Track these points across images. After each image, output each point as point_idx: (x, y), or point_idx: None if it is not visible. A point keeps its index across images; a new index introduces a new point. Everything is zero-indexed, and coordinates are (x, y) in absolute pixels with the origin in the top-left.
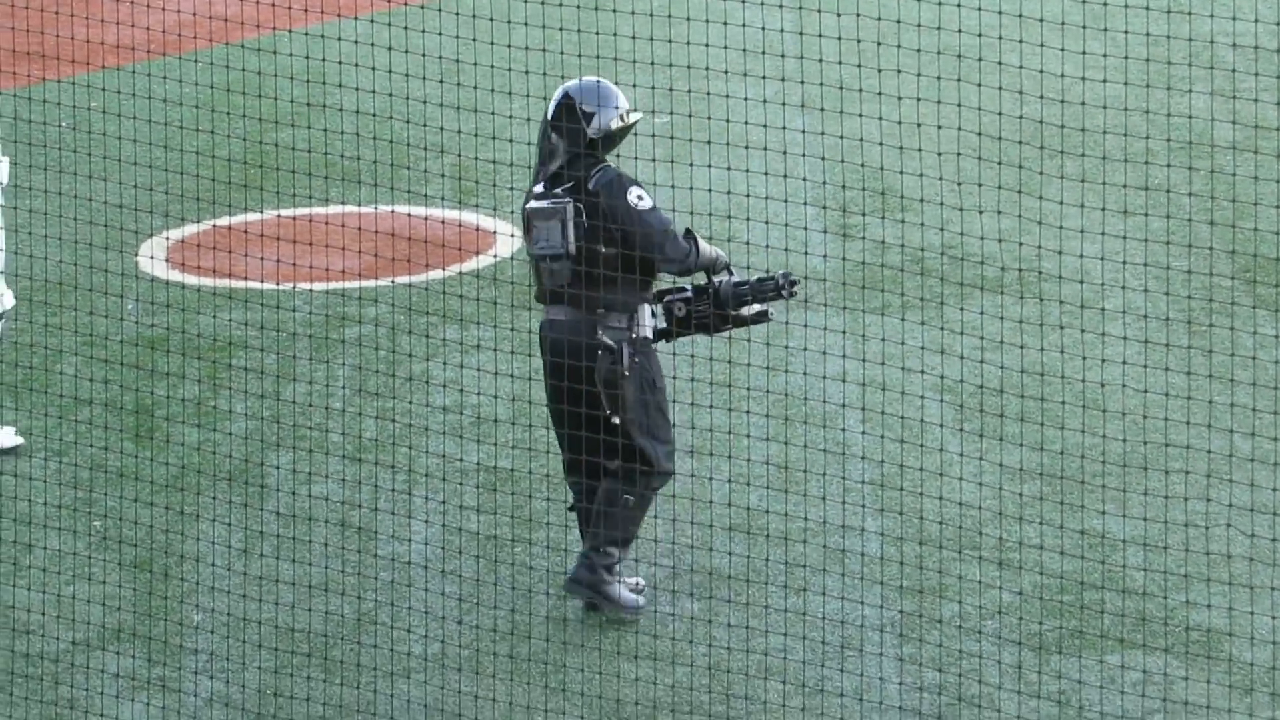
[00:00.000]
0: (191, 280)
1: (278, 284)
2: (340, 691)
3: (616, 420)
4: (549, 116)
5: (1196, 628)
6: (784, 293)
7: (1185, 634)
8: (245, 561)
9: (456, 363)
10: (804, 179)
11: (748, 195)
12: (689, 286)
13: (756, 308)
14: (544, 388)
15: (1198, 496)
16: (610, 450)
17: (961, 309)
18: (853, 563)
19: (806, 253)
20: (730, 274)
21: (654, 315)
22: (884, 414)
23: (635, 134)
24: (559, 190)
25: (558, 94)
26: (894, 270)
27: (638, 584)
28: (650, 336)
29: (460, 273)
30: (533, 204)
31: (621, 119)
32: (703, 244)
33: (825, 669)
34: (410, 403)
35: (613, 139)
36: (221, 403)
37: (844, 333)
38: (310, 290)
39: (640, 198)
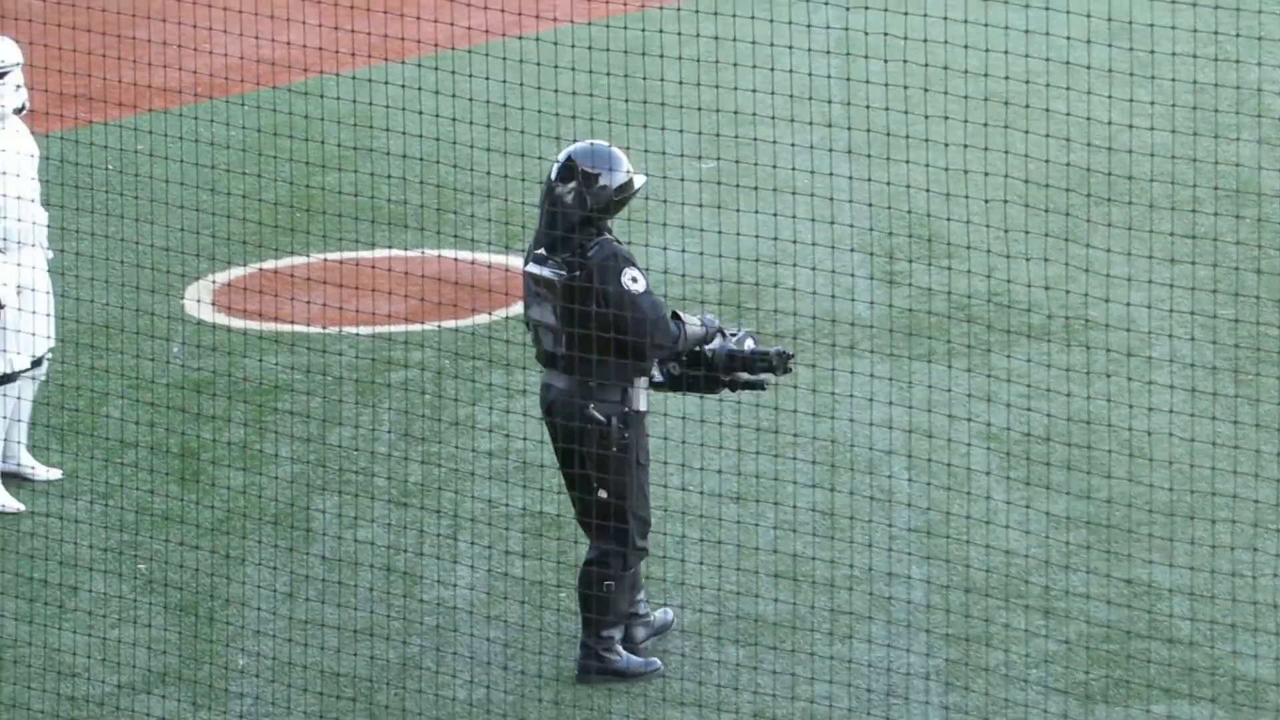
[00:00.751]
0: (237, 323)
1: (323, 327)
2: None
3: (603, 494)
4: (552, 178)
5: (1243, 678)
6: (777, 370)
7: (1231, 684)
8: (290, 605)
9: (502, 407)
10: (849, 225)
11: (793, 241)
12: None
13: (747, 377)
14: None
15: (1244, 546)
16: (599, 525)
17: (1007, 356)
18: (898, 610)
19: (852, 299)
20: (724, 337)
21: (650, 385)
22: (929, 461)
23: (681, 179)
24: (559, 258)
25: (562, 156)
26: (939, 317)
27: (665, 614)
28: (644, 410)
29: (506, 317)
30: (533, 268)
31: (627, 184)
32: (690, 322)
33: (870, 717)
34: (455, 447)
35: (616, 205)
36: (267, 446)
37: (889, 379)
38: (355, 334)
39: (634, 279)
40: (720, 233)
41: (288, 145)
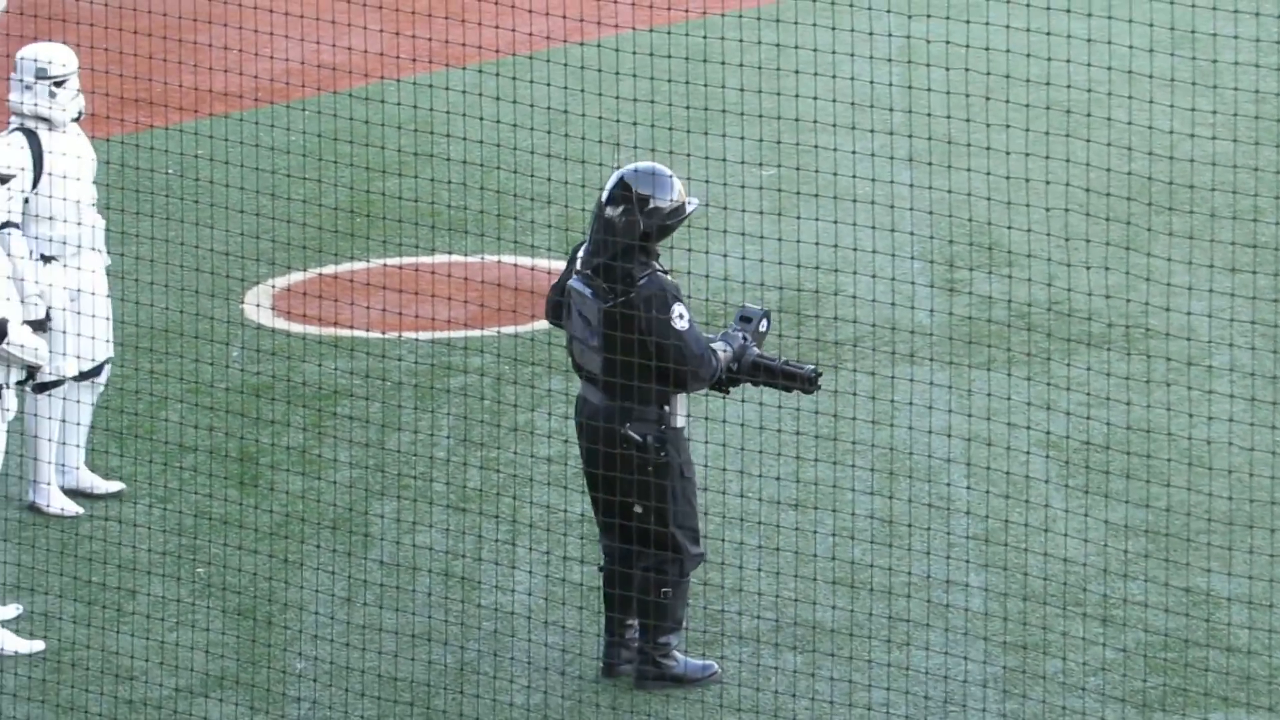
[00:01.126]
0: (296, 328)
1: (382, 333)
2: None
3: (639, 510)
4: (603, 200)
5: None
6: (805, 390)
7: None
8: (348, 610)
9: (561, 413)
10: (910, 232)
11: (854, 248)
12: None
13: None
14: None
15: None
16: (642, 537)
17: (1067, 364)
18: (956, 618)
19: (912, 306)
20: (746, 342)
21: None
22: (988, 469)
23: (742, 186)
24: (605, 284)
25: (613, 178)
26: (999, 325)
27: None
28: (681, 426)
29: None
30: (576, 284)
31: (677, 207)
32: (720, 351)
33: None
34: (514, 453)
35: (667, 229)
36: (325, 451)
37: (949, 387)
38: (415, 339)
39: (681, 316)
40: (780, 240)
41: (348, 150)
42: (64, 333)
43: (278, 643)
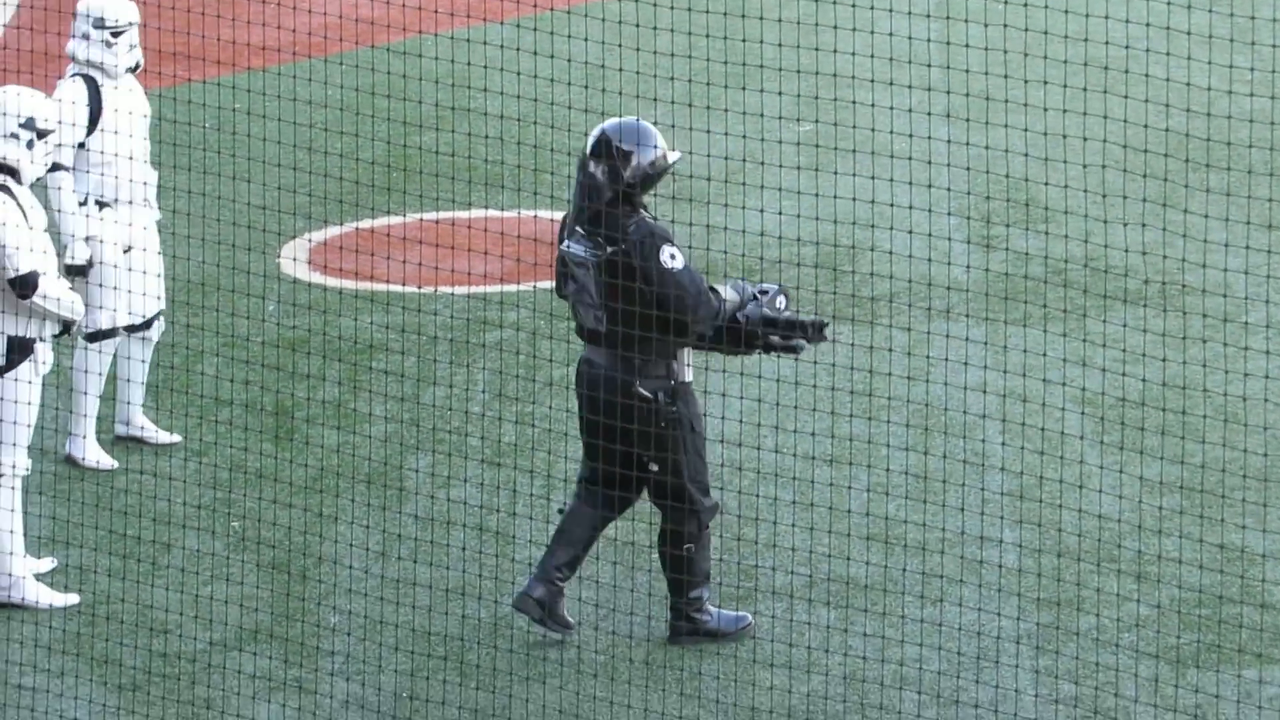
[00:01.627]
0: (332, 282)
1: (418, 287)
2: (476, 696)
3: (655, 468)
4: (586, 153)
5: None
6: (810, 338)
7: None
8: (382, 564)
9: None
10: (946, 189)
11: (890, 204)
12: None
13: (781, 341)
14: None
15: None
16: (657, 491)
17: (1103, 321)
18: (990, 574)
19: (948, 263)
20: (758, 299)
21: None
22: (1023, 425)
23: (779, 142)
24: (596, 236)
25: (595, 132)
26: (1035, 282)
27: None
28: (690, 380)
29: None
30: (570, 247)
31: (660, 160)
32: (726, 293)
33: (961, 680)
34: (549, 408)
35: (650, 180)
36: (361, 405)
37: (984, 343)
38: (451, 294)
39: (673, 256)
40: (817, 195)
41: (385, 104)
42: (115, 287)
43: (312, 597)
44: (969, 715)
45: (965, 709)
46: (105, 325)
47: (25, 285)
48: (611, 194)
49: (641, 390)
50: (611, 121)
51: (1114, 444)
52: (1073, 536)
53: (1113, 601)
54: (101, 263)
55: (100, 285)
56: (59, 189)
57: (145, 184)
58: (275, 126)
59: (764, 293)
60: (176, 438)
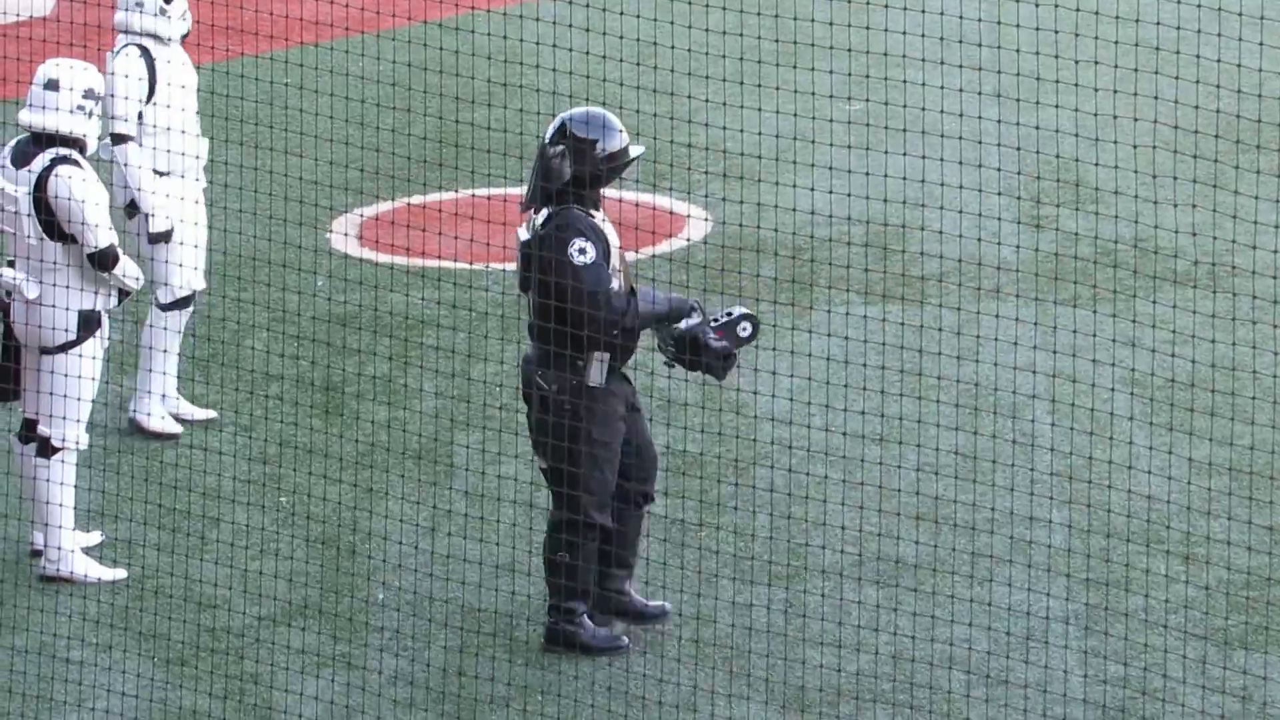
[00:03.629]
0: (383, 258)
1: (469, 263)
2: (524, 672)
3: (542, 463)
4: (545, 140)
5: None
6: (717, 367)
7: None
8: (431, 540)
9: (645, 345)
10: (996, 169)
11: (940, 184)
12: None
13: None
14: None
15: None
16: (554, 492)
17: (1153, 302)
18: (1037, 554)
19: (998, 243)
20: (702, 314)
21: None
22: (1072, 405)
23: (830, 120)
24: (538, 221)
25: (555, 121)
26: (1084, 262)
27: (660, 606)
28: (601, 384)
29: (652, 255)
30: (521, 229)
31: (619, 152)
32: (647, 305)
33: (1009, 660)
34: None
35: (608, 173)
36: (410, 381)
37: (1034, 324)
38: (502, 270)
39: (582, 251)
40: (867, 174)
41: (436, 80)
42: (181, 261)
43: (360, 572)
44: (1016, 695)
45: (1013, 689)
46: (181, 293)
47: (105, 259)
48: (564, 183)
49: (540, 381)
50: (577, 110)
51: (1162, 425)
52: (1121, 517)
53: (1160, 583)
54: (173, 231)
55: (173, 254)
56: (127, 162)
57: (196, 156)
58: (326, 101)
59: (729, 314)
60: (212, 413)
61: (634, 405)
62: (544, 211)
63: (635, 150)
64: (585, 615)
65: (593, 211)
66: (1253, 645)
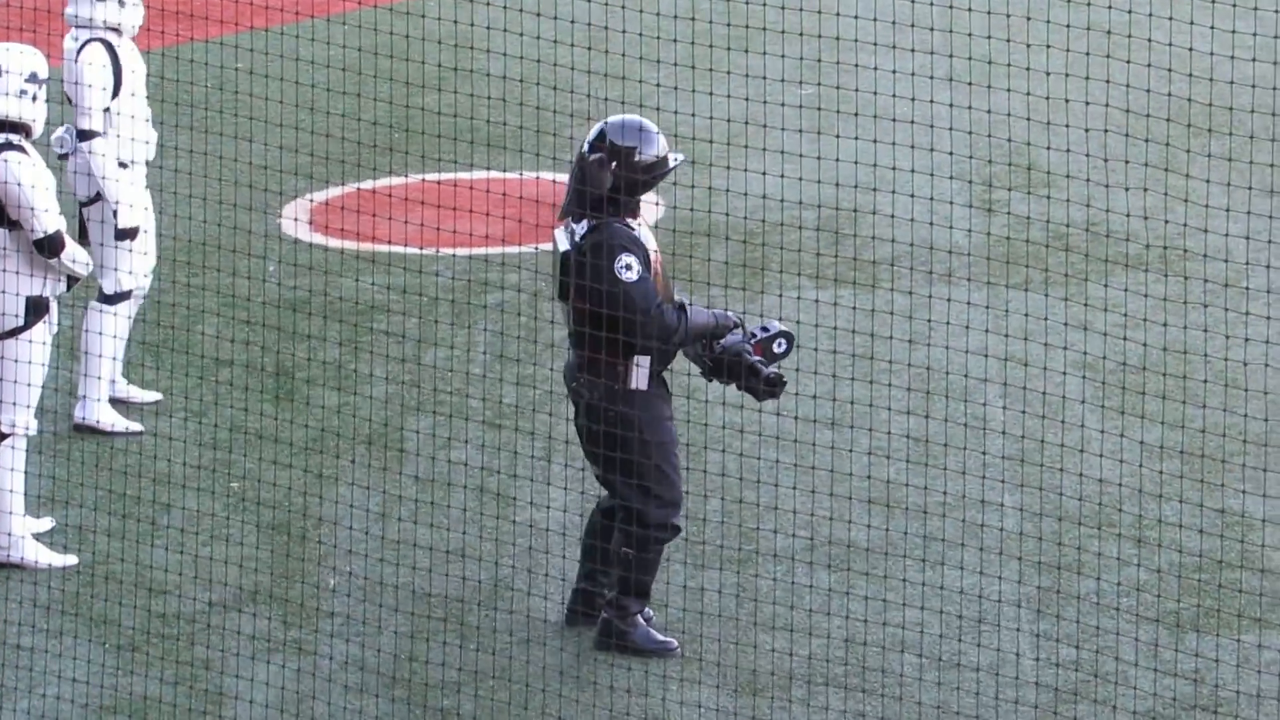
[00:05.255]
0: (334, 243)
1: (420, 248)
2: (475, 657)
3: (598, 474)
4: (584, 148)
5: None
6: (759, 394)
7: None
8: (382, 526)
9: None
10: (948, 153)
11: (892, 168)
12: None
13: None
14: None
15: None
16: (612, 488)
17: (1104, 286)
18: (989, 538)
19: (950, 226)
20: (744, 332)
21: (672, 360)
22: (1024, 389)
23: (781, 105)
24: (579, 230)
25: (595, 127)
26: (1036, 246)
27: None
28: (644, 388)
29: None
30: (558, 233)
31: (658, 162)
32: (698, 317)
33: (960, 643)
34: (550, 369)
35: (645, 183)
36: (361, 366)
37: (985, 308)
38: (452, 255)
39: (628, 267)
40: (818, 159)
41: (387, 65)
42: (130, 250)
43: (311, 558)
44: (968, 678)
45: (964, 672)
46: (127, 286)
47: (53, 245)
48: (600, 192)
49: (582, 388)
50: (614, 118)
51: (1114, 408)
52: (1072, 501)
53: (1112, 566)
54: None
55: (129, 247)
56: (95, 154)
57: (148, 144)
58: (277, 86)
59: (765, 330)
60: (157, 395)
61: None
62: (584, 223)
63: (675, 159)
64: (639, 614)
65: (630, 221)
66: (1204, 628)
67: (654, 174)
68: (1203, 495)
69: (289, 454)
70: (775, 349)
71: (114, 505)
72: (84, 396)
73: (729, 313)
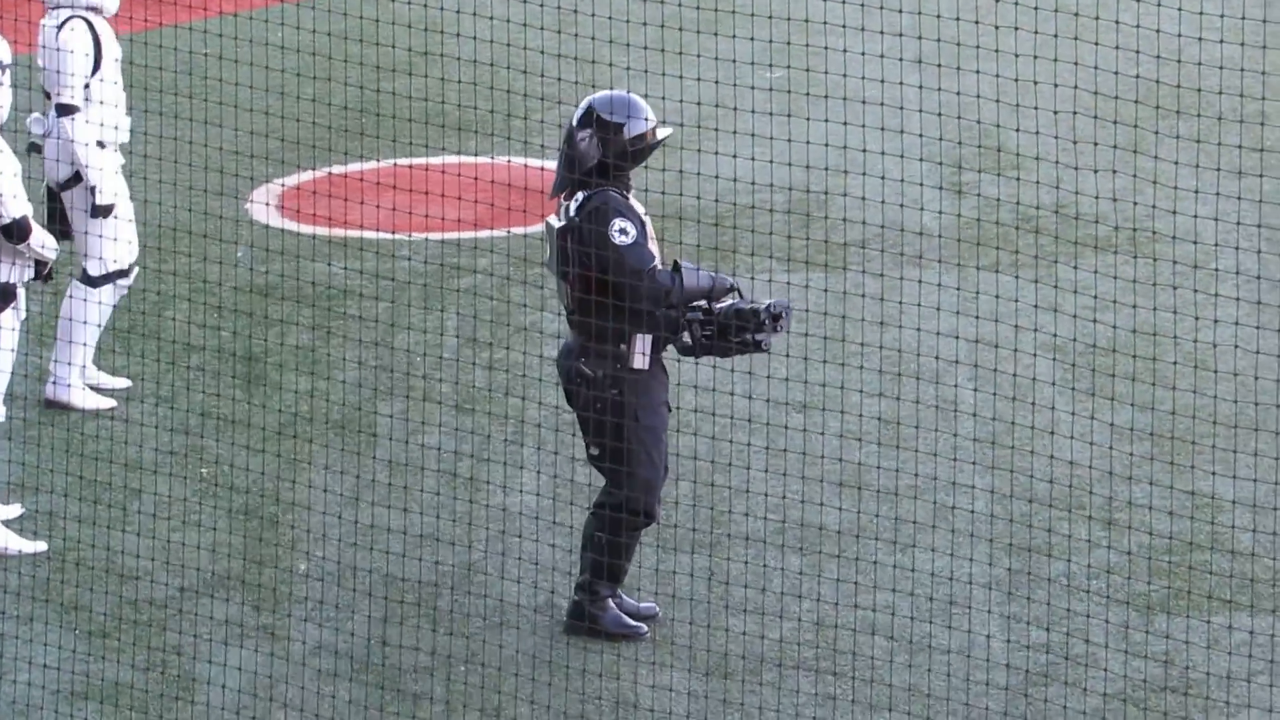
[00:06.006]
0: (304, 228)
1: (390, 232)
2: (447, 641)
3: (594, 451)
4: (573, 125)
5: None
6: (765, 325)
7: None
8: (353, 510)
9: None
10: (917, 135)
11: (861, 150)
12: (702, 309)
13: (748, 337)
14: None
15: None
16: (600, 471)
17: (1073, 267)
18: (960, 520)
19: (920, 209)
20: (740, 297)
21: (675, 338)
22: (994, 371)
23: (751, 87)
24: (572, 205)
25: (583, 104)
26: (1005, 228)
27: (649, 606)
28: (644, 368)
29: None
30: (551, 217)
31: (648, 134)
32: (693, 277)
33: (931, 625)
34: (521, 353)
35: (634, 155)
36: (332, 351)
37: (955, 290)
38: (423, 239)
39: (623, 231)
40: (788, 141)
41: (356, 49)
42: (115, 237)
43: (282, 543)
44: (938, 661)
45: (934, 655)
46: (112, 268)
47: (21, 230)
48: (592, 166)
49: (583, 369)
50: (601, 93)
51: (1083, 390)
52: (1042, 483)
53: (1082, 548)
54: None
55: (108, 228)
56: (74, 136)
57: (117, 129)
58: (246, 71)
59: (754, 301)
60: (126, 381)
61: (668, 403)
62: (577, 196)
63: (662, 133)
64: (610, 598)
65: (624, 193)
66: (1174, 610)
67: (641, 148)
68: (1172, 477)
69: (259, 439)
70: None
71: (84, 491)
72: (56, 379)
73: (727, 277)
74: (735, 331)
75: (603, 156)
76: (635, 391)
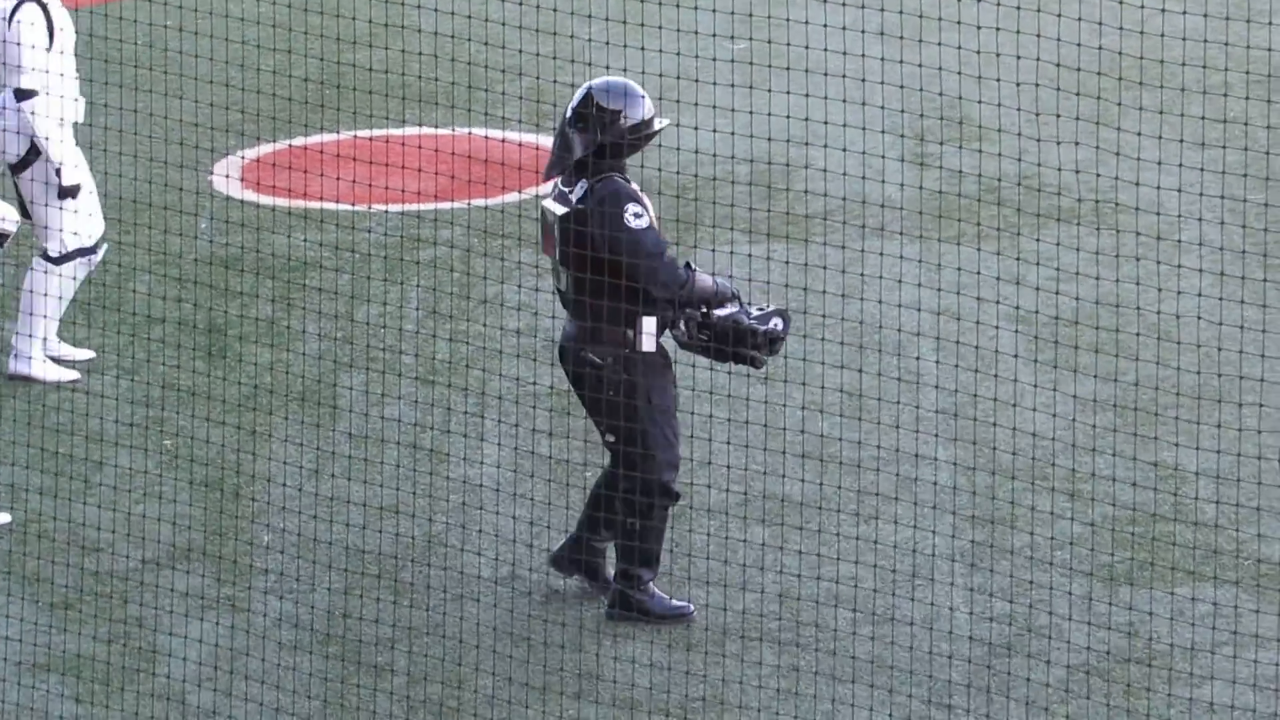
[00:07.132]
0: (265, 200)
1: (352, 204)
2: (409, 613)
3: (610, 438)
4: (570, 110)
5: (1266, 560)
6: (762, 349)
7: (1256, 567)
8: (316, 482)
9: (530, 286)
10: (880, 107)
11: (824, 122)
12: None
13: (744, 352)
14: None
15: (1270, 430)
16: (616, 459)
17: (1036, 239)
18: (923, 492)
19: (882, 181)
20: (740, 305)
21: (670, 326)
22: (957, 343)
23: (713, 59)
24: (569, 192)
25: (581, 90)
26: (969, 199)
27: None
28: (651, 350)
29: (535, 195)
30: (548, 203)
31: (645, 123)
32: (703, 279)
33: (894, 597)
34: (483, 325)
35: (632, 143)
36: (294, 323)
37: (918, 261)
38: (385, 211)
39: (638, 215)
40: (751, 113)
41: (318, 21)
42: (75, 211)
43: (245, 515)
44: (902, 633)
45: (899, 626)
46: (72, 246)
47: None
48: (590, 152)
49: (591, 356)
50: (599, 80)
51: (1047, 362)
52: (1006, 454)
53: (1046, 519)
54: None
55: (74, 206)
56: (37, 114)
57: (77, 102)
58: (207, 43)
59: (762, 309)
60: (89, 353)
61: (674, 380)
62: (580, 184)
63: (660, 122)
64: (651, 582)
65: (627, 179)
66: (1138, 581)
67: (638, 135)
68: (1136, 449)
69: (221, 411)
70: (773, 327)
71: (46, 463)
72: (16, 352)
73: (731, 284)
74: (732, 343)
75: (600, 143)
76: (645, 373)
